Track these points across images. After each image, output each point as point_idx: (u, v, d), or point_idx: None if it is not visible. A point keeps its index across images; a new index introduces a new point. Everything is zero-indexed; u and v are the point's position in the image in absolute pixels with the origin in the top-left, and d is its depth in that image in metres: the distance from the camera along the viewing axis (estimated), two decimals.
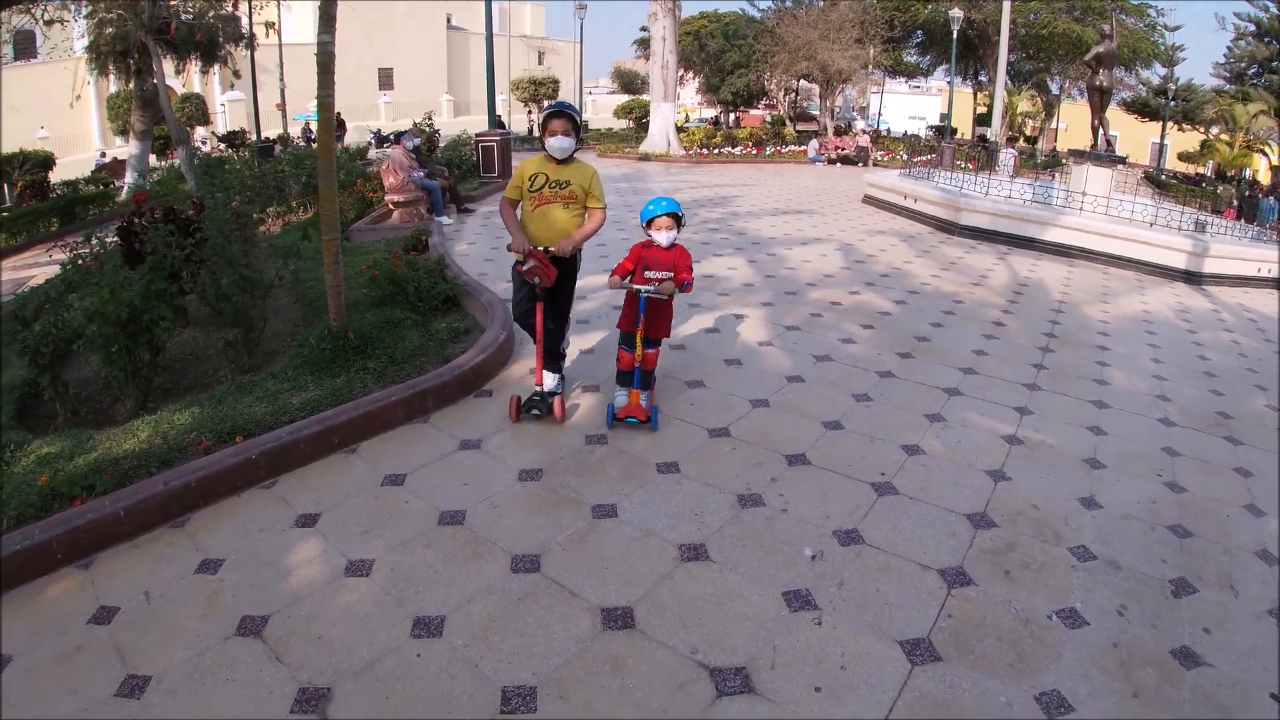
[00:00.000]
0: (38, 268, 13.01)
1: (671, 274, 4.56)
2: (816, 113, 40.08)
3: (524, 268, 4.55)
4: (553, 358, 5.00)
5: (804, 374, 5.77)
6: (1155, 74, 39.39)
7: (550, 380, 4.99)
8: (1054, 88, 39.49)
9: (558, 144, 4.60)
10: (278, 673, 2.79)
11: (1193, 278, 11.02)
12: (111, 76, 18.82)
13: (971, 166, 20.62)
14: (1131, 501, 4.27)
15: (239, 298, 5.79)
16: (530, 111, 43.55)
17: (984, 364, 6.26)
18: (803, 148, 29.27)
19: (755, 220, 13.36)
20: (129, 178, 19.35)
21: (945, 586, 3.35)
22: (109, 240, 6.86)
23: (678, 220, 4.57)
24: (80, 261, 6.03)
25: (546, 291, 4.67)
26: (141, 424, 4.48)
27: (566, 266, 4.78)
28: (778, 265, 9.60)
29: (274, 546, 3.55)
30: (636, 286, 4.53)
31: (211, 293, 5.83)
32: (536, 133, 38.64)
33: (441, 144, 18.76)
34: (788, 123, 39.08)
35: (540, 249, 4.56)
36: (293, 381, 5.02)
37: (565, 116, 4.62)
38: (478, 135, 16.73)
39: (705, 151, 27.90)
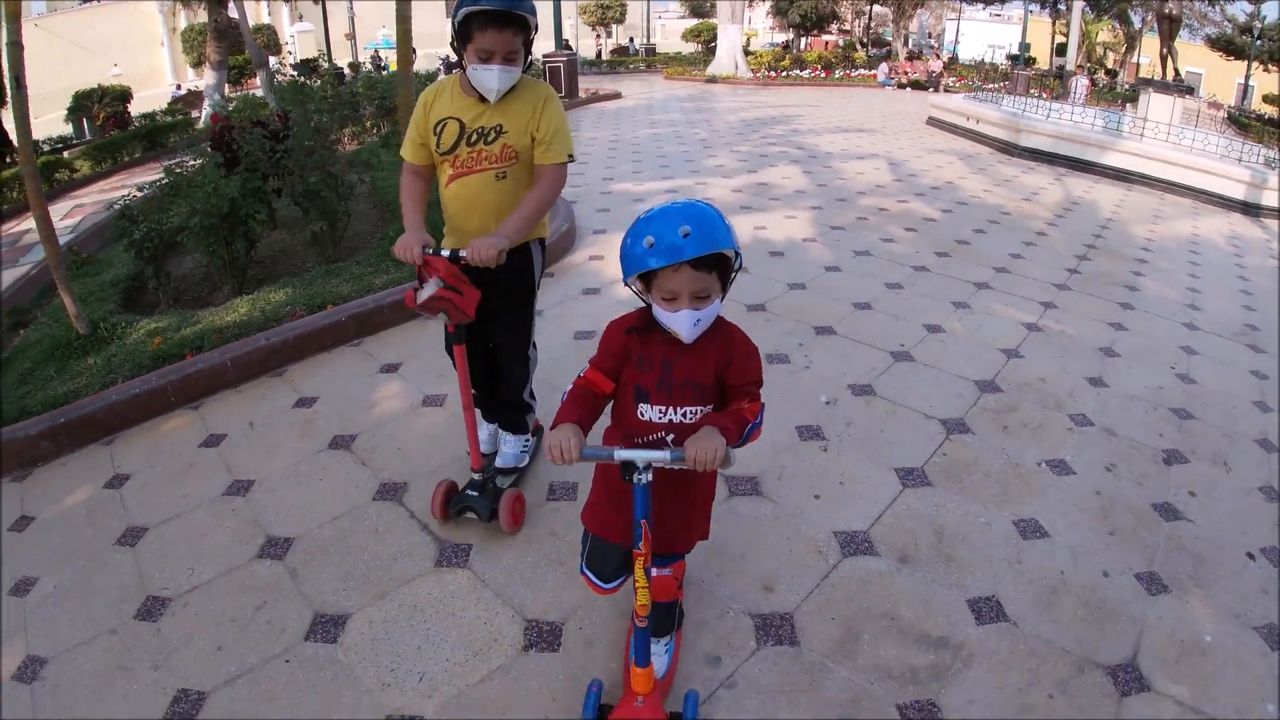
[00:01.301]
0: (124, 189, 13.84)
1: (708, 406, 2.00)
2: (891, 39, 38.97)
3: (416, 296, 2.55)
4: (513, 412, 3.18)
5: (842, 265, 6.08)
6: (1242, 10, 37.00)
7: (511, 448, 3.22)
8: (1136, 21, 37.50)
9: (493, 80, 2.52)
10: (363, 474, 3.40)
11: (1250, 209, 10.75)
12: (183, 10, 19.39)
13: (1045, 95, 20.08)
14: (1139, 385, 4.42)
15: (325, 194, 6.37)
16: (598, 35, 43.08)
17: (1018, 265, 6.43)
18: (872, 72, 28.70)
19: (815, 137, 13.44)
20: (206, 107, 20.10)
21: (945, 433, 3.73)
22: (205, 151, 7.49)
23: (724, 272, 1.86)
24: (180, 170, 6.64)
25: (476, 323, 2.75)
26: (241, 301, 5.11)
27: (512, 274, 2.75)
28: (832, 176, 9.79)
29: (361, 387, 4.15)
30: (624, 457, 1.82)
31: (300, 190, 6.41)
32: (598, 54, 38.10)
33: None
34: (859, 47, 38.09)
35: (444, 254, 2.54)
36: (375, 266, 5.60)
37: (513, 23, 2.46)
38: (545, 55, 17.02)
39: (773, 74, 27.65)
